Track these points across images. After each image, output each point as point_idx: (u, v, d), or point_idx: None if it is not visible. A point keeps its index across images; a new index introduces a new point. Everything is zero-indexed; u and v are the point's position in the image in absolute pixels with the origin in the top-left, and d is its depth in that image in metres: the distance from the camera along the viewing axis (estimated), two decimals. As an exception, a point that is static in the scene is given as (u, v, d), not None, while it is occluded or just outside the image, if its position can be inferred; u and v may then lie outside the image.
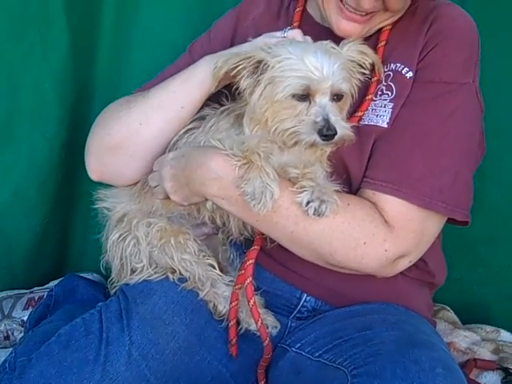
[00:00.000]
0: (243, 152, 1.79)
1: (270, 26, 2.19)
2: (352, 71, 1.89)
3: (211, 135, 1.94)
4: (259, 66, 1.82)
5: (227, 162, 1.81)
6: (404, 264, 1.92)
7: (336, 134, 1.77)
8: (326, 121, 1.76)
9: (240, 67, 1.82)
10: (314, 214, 1.77)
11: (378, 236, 1.85)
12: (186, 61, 2.26)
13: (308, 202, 1.77)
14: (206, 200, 1.92)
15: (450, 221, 1.98)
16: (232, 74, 1.83)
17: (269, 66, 1.81)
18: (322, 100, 1.79)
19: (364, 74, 1.92)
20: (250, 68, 1.82)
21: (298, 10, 2.20)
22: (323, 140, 1.77)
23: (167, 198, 1.99)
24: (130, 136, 2.07)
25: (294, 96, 1.79)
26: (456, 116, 1.90)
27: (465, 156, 1.94)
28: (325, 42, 1.89)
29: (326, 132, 1.76)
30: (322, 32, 2.07)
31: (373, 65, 1.94)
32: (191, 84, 2.03)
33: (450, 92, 1.91)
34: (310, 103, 1.79)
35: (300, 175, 1.83)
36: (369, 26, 1.98)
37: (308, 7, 2.21)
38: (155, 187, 2.02)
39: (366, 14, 1.93)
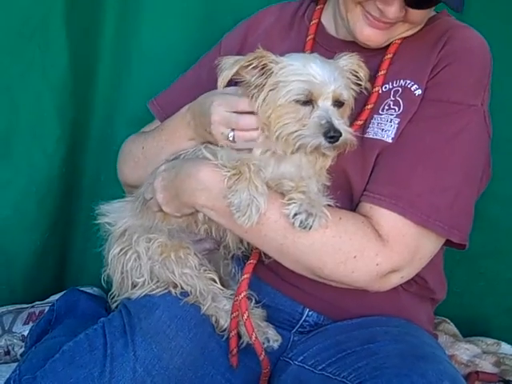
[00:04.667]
0: (233, 163, 1.80)
1: (281, 36, 2.24)
2: (349, 81, 1.92)
3: (206, 146, 1.97)
4: (265, 70, 1.84)
5: (216, 172, 1.83)
6: (396, 279, 1.91)
7: (341, 135, 1.78)
8: (331, 123, 1.78)
9: (251, 66, 1.83)
10: (299, 227, 1.77)
11: (370, 250, 1.84)
12: (194, 73, 2.35)
13: (295, 214, 1.78)
14: (198, 211, 1.93)
15: (447, 242, 1.97)
16: (243, 72, 1.84)
17: (272, 71, 1.83)
18: (325, 104, 1.81)
19: (359, 85, 1.94)
20: (260, 68, 1.84)
21: (313, 22, 2.21)
22: (329, 142, 1.78)
23: (161, 210, 2.00)
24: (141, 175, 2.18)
25: (297, 101, 1.81)
26: (461, 137, 1.90)
27: (467, 178, 1.93)
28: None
29: (333, 134, 1.77)
30: (335, 44, 2.11)
31: (369, 76, 1.97)
32: (176, 139, 2.09)
33: (457, 112, 1.91)
34: (313, 107, 1.81)
35: (294, 188, 1.83)
36: (389, 34, 2.00)
37: (322, 19, 2.22)
38: (150, 199, 2.03)
39: (388, 23, 1.95)
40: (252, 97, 1.87)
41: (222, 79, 1.85)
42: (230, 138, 1.89)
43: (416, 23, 1.98)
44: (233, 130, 1.89)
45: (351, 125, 1.95)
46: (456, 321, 2.70)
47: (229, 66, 1.84)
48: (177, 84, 2.42)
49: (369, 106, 1.99)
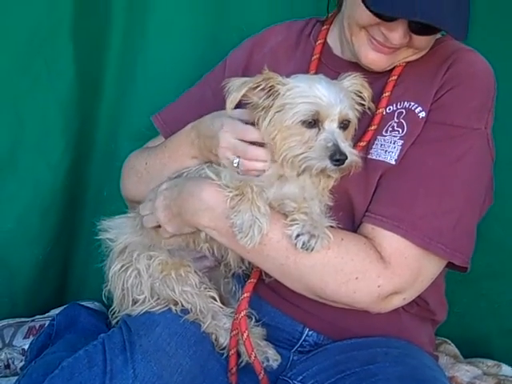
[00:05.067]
0: (237, 184, 1.81)
1: (287, 55, 2.25)
2: (353, 101, 1.92)
3: (209, 166, 1.98)
4: (271, 91, 1.84)
5: (219, 192, 1.84)
6: (398, 301, 1.91)
7: (347, 158, 1.79)
8: (337, 146, 1.79)
9: (259, 88, 1.84)
10: (302, 248, 1.78)
11: (372, 272, 1.84)
12: (199, 90, 2.36)
13: (298, 235, 1.79)
14: (200, 231, 1.94)
15: (448, 265, 1.98)
16: (250, 94, 1.85)
17: (279, 93, 1.84)
18: (331, 126, 1.82)
19: (363, 105, 1.95)
20: (267, 90, 1.84)
21: (319, 42, 2.22)
22: (335, 165, 1.79)
23: (157, 226, 2.01)
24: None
25: (303, 123, 1.82)
26: (464, 160, 1.90)
27: (469, 201, 1.93)
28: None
29: (339, 157, 1.78)
30: (340, 65, 2.12)
31: (373, 97, 1.97)
32: (179, 157, 2.10)
33: (461, 136, 1.92)
34: (319, 130, 1.82)
35: (296, 209, 1.84)
36: (393, 59, 2.01)
37: (328, 39, 2.23)
38: (145, 216, 2.04)
39: (393, 48, 1.96)
40: (259, 119, 1.87)
41: (231, 101, 1.85)
42: (235, 165, 1.89)
43: (420, 49, 1.99)
44: (239, 157, 1.90)
45: (354, 145, 1.95)
46: (457, 342, 2.69)
47: (237, 88, 1.84)
48: (182, 99, 2.42)
49: (372, 127, 1.99)
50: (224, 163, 1.92)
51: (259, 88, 1.84)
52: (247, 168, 1.89)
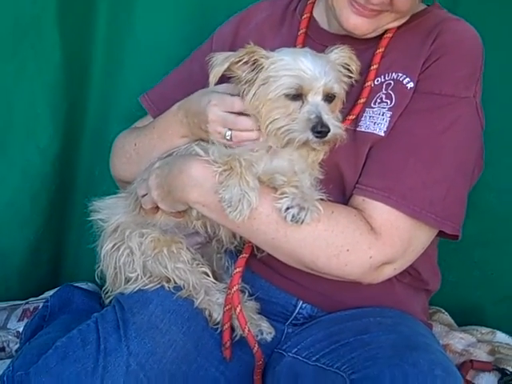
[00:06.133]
0: (225, 159, 1.80)
1: (273, 31, 2.24)
2: (340, 74, 1.92)
3: (198, 143, 1.97)
4: (255, 65, 1.84)
5: (207, 168, 1.83)
6: (389, 271, 1.91)
7: (329, 131, 1.78)
8: (320, 118, 1.78)
9: (242, 62, 1.83)
10: (292, 221, 1.77)
11: (363, 243, 1.84)
12: (187, 68, 2.35)
13: (287, 208, 1.78)
14: (191, 207, 1.93)
15: (440, 234, 1.98)
16: (234, 67, 1.84)
17: (263, 66, 1.83)
18: (315, 99, 1.81)
19: (350, 77, 1.94)
20: (250, 64, 1.84)
21: (305, 16, 2.20)
22: (316, 137, 1.78)
23: (154, 206, 2.01)
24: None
25: (287, 95, 1.81)
26: (453, 129, 1.90)
27: (460, 170, 1.93)
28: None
29: (320, 129, 1.77)
30: (327, 38, 2.10)
31: (361, 69, 1.96)
32: (169, 137, 2.10)
33: (450, 105, 1.91)
34: (303, 102, 1.81)
35: (286, 183, 1.83)
36: (376, 23, 1.99)
37: (314, 13, 2.22)
38: (143, 196, 2.03)
39: (374, 11, 1.95)
40: (243, 92, 1.86)
41: (214, 75, 1.85)
42: (228, 137, 1.89)
43: (403, 12, 1.97)
44: (230, 129, 1.89)
45: (344, 119, 1.94)
46: (451, 310, 2.70)
47: (220, 62, 1.83)
48: (169, 78, 2.41)
49: (361, 101, 1.98)
50: (215, 138, 1.91)
51: (243, 62, 1.84)
52: (240, 139, 1.89)
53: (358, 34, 2.01)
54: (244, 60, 1.84)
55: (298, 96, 1.81)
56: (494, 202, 2.66)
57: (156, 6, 2.77)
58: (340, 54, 1.93)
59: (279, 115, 1.82)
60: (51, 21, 2.65)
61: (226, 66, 1.83)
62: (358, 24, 1.98)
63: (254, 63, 1.84)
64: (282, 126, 1.81)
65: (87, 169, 2.93)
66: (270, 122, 1.83)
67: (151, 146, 2.14)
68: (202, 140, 1.99)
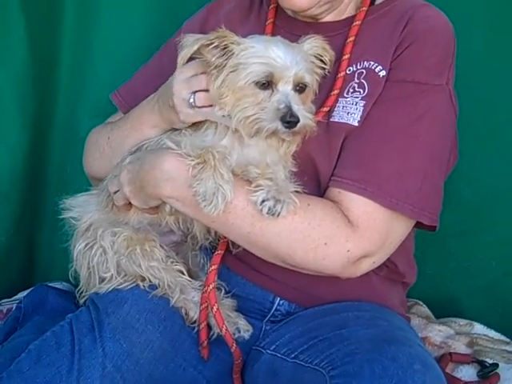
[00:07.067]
0: (198, 152, 1.77)
1: (241, 21, 2.21)
2: (313, 64, 1.90)
3: (168, 136, 1.95)
4: (226, 50, 1.81)
5: (180, 162, 1.80)
6: (368, 264, 1.90)
7: (299, 121, 1.76)
8: (289, 108, 1.76)
9: (213, 46, 1.80)
10: (267, 214, 1.75)
11: (340, 236, 1.83)
12: (156, 62, 2.32)
13: (263, 201, 1.75)
14: (165, 203, 1.91)
15: (417, 225, 1.97)
16: (204, 51, 1.81)
17: (233, 52, 1.80)
18: (285, 88, 1.79)
19: (324, 68, 1.93)
20: (221, 48, 1.81)
21: (272, 6, 2.19)
22: (285, 127, 1.76)
23: (127, 203, 1.97)
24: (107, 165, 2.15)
25: (256, 83, 1.78)
26: (427, 117, 1.88)
27: (435, 159, 1.92)
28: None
29: (289, 119, 1.75)
30: (296, 26, 2.09)
31: (335, 61, 1.95)
32: (140, 126, 2.07)
33: (422, 92, 1.90)
34: (273, 91, 1.79)
35: (260, 175, 1.81)
36: None
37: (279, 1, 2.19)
38: (115, 193, 2.00)
39: None
40: (212, 77, 1.83)
41: (182, 57, 1.82)
42: (191, 101, 1.86)
43: None
44: (194, 93, 1.86)
45: (317, 111, 1.92)
46: (428, 302, 2.70)
47: (190, 44, 1.80)
48: (139, 74, 2.38)
49: (335, 92, 1.96)
50: (180, 109, 1.88)
51: (213, 45, 1.80)
52: (202, 101, 1.86)
53: (298, 10, 2.01)
54: (214, 44, 1.80)
55: (267, 85, 1.79)
56: (469, 192, 2.66)
57: (125, -3, 2.74)
58: (313, 45, 1.91)
59: (248, 104, 1.79)
60: (16, 12, 2.60)
61: (195, 47, 1.80)
62: (295, 1, 1.97)
63: (225, 48, 1.81)
64: (251, 115, 1.78)
65: (58, 166, 2.88)
66: (239, 111, 1.80)
67: (123, 137, 2.11)
68: (174, 129, 1.97)
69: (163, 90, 2.00)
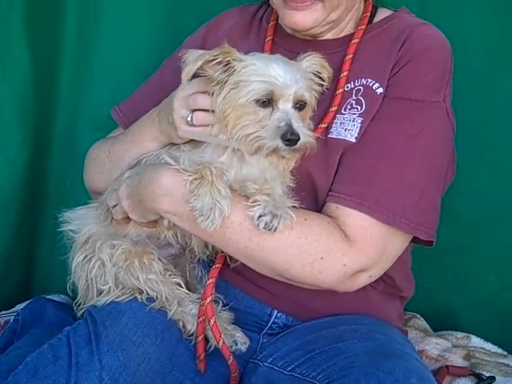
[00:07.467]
0: (196, 167, 1.78)
1: (242, 38, 2.24)
2: (312, 82, 1.91)
3: (167, 151, 1.95)
4: (228, 67, 1.82)
5: (178, 177, 1.81)
6: (364, 279, 1.91)
7: (299, 139, 1.77)
8: (290, 126, 1.77)
9: (216, 61, 1.81)
10: (264, 228, 1.76)
11: (336, 251, 1.84)
12: (157, 78, 2.34)
13: (260, 216, 1.77)
14: (163, 218, 1.91)
15: (414, 240, 1.98)
16: (207, 66, 1.82)
17: (235, 69, 1.82)
18: (285, 106, 1.80)
19: (322, 85, 1.94)
20: (223, 64, 1.82)
21: (271, 24, 2.21)
22: (286, 145, 1.77)
23: (126, 217, 1.98)
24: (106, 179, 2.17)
25: (257, 101, 1.80)
26: (424, 134, 1.90)
27: (432, 174, 1.93)
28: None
29: (290, 137, 1.76)
30: (295, 43, 2.11)
31: (333, 78, 1.96)
32: (140, 139, 2.08)
33: (419, 110, 1.92)
34: (273, 109, 1.80)
35: (258, 190, 1.82)
36: (312, 16, 1.99)
37: (280, 20, 2.20)
38: (113, 207, 2.01)
39: (306, 1, 1.97)
40: (213, 93, 1.85)
41: (186, 73, 1.83)
42: (189, 119, 1.87)
43: (332, 2, 1.99)
44: (193, 112, 1.87)
45: (315, 128, 1.94)
46: (426, 316, 2.70)
47: (193, 60, 1.81)
48: (140, 90, 2.39)
49: (333, 109, 1.98)
50: (179, 126, 1.89)
51: (216, 61, 1.82)
52: (200, 121, 1.87)
53: (301, 30, 2.04)
54: (218, 60, 1.82)
55: (268, 102, 1.80)
56: (466, 207, 2.66)
57: (126, 13, 2.75)
58: (311, 62, 1.93)
59: (249, 121, 1.81)
60: (19, 25, 2.61)
61: (199, 63, 1.81)
62: (297, 20, 2.00)
63: (227, 64, 1.82)
64: (252, 133, 1.80)
65: (58, 179, 2.88)
66: (240, 129, 1.81)
67: (124, 151, 2.12)
68: (172, 144, 1.98)
69: (164, 104, 2.01)
